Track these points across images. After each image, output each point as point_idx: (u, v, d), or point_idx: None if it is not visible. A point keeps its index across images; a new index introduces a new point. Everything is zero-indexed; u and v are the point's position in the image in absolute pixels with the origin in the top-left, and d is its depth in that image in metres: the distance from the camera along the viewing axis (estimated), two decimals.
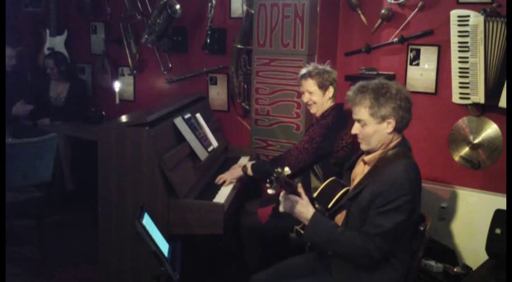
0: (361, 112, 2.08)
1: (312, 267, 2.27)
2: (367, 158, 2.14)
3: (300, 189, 2.13)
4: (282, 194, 2.15)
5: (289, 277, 2.23)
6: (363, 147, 2.14)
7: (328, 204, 2.21)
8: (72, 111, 4.61)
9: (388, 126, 2.06)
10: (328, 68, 3.00)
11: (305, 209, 2.09)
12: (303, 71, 2.99)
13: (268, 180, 1.97)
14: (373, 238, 1.97)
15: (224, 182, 3.10)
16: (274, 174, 1.96)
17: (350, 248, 2.01)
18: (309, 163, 2.93)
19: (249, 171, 3.03)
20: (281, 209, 2.15)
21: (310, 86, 2.95)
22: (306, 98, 3.00)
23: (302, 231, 2.13)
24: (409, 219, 2.00)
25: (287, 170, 2.01)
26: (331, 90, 2.96)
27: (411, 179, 2.02)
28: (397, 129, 2.08)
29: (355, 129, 2.13)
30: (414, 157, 2.14)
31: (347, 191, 2.22)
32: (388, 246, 1.99)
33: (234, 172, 3.14)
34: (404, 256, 2.10)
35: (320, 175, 2.96)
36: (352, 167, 2.31)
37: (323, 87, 2.95)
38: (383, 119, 2.05)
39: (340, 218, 2.20)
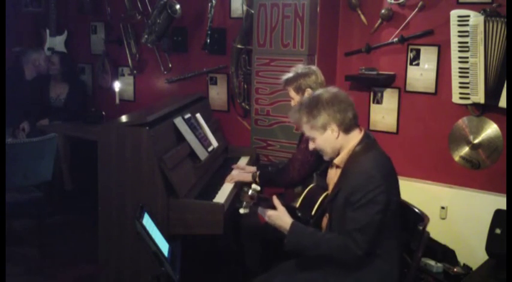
0: (304, 129, 2.16)
1: (306, 264, 2.28)
2: (337, 161, 2.18)
3: (275, 201, 2.18)
4: (259, 209, 2.21)
5: (285, 275, 2.25)
6: (325, 158, 2.21)
7: (311, 211, 2.23)
8: (71, 113, 4.61)
9: (333, 132, 2.11)
10: (309, 69, 2.99)
11: (282, 221, 2.15)
12: (283, 78, 3.01)
13: (237, 202, 1.99)
14: (352, 234, 1.98)
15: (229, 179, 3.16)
16: (241, 196, 1.97)
17: (332, 248, 2.03)
18: (314, 168, 2.93)
19: (257, 180, 3.07)
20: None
21: (290, 92, 2.99)
22: (292, 103, 3.01)
23: None
24: (385, 209, 2.01)
25: (254, 186, 2.04)
26: (309, 93, 2.95)
27: (380, 168, 2.04)
28: (344, 131, 2.11)
29: (310, 145, 2.20)
30: (382, 148, 2.17)
31: (327, 194, 2.25)
32: (369, 239, 2.00)
33: (243, 176, 3.17)
34: (392, 246, 2.10)
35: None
36: (323, 173, 2.34)
37: (299, 92, 2.95)
38: (324, 128, 2.11)
39: (325, 222, 2.22)
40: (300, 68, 3.03)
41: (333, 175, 2.21)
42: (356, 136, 2.13)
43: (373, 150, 2.10)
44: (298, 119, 2.17)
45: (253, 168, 3.26)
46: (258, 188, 2.08)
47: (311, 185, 2.36)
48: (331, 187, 2.22)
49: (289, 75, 2.98)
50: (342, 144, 2.13)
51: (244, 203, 2.01)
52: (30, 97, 4.67)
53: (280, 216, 2.15)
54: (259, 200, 2.07)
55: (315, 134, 2.13)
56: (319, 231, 2.14)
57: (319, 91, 2.19)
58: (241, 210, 2.03)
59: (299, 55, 3.45)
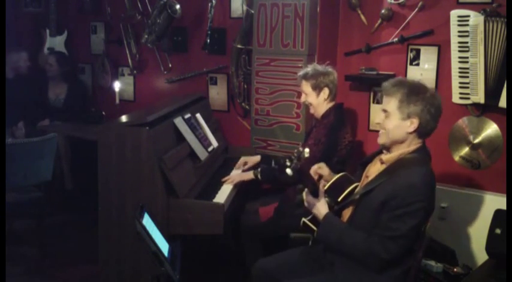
0: (390, 103, 2.10)
1: (315, 262, 2.28)
2: (385, 157, 2.16)
3: (321, 191, 2.23)
4: (304, 192, 2.28)
5: (292, 271, 2.26)
6: (380, 139, 2.16)
7: (338, 197, 2.25)
8: (71, 113, 4.60)
9: (411, 125, 2.07)
10: (327, 69, 3.04)
11: (318, 211, 2.19)
12: (301, 72, 3.07)
13: (288, 159, 1.99)
14: (385, 241, 1.99)
15: (229, 181, 3.15)
16: (295, 154, 1.98)
17: (360, 249, 2.04)
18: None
19: (259, 176, 3.08)
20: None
21: (305, 87, 3.02)
22: (302, 98, 3.09)
23: (310, 224, 2.21)
24: (420, 225, 2.03)
25: (307, 150, 2.03)
26: (326, 92, 2.99)
27: (429, 185, 2.03)
28: (419, 132, 2.09)
29: (379, 118, 2.16)
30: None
31: (356, 187, 2.26)
32: (399, 250, 2.01)
33: (245, 175, 3.18)
34: (406, 254, 2.12)
35: None
36: (366, 162, 2.33)
37: (317, 89, 3.00)
38: (408, 116, 2.07)
39: (347, 213, 2.23)
40: (318, 66, 3.08)
41: (376, 170, 2.20)
42: (417, 144, 2.12)
43: (427, 165, 2.08)
44: (391, 92, 2.10)
45: (258, 158, 3.32)
46: (309, 153, 2.08)
47: (342, 173, 2.38)
48: (368, 180, 2.20)
49: (308, 71, 3.02)
50: (404, 141, 2.10)
51: (294, 163, 2.01)
52: (28, 97, 4.65)
53: (317, 207, 2.19)
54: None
55: (395, 114, 2.09)
56: (350, 229, 2.13)
57: (425, 84, 2.13)
58: (288, 170, 2.03)
59: (299, 55, 3.45)
